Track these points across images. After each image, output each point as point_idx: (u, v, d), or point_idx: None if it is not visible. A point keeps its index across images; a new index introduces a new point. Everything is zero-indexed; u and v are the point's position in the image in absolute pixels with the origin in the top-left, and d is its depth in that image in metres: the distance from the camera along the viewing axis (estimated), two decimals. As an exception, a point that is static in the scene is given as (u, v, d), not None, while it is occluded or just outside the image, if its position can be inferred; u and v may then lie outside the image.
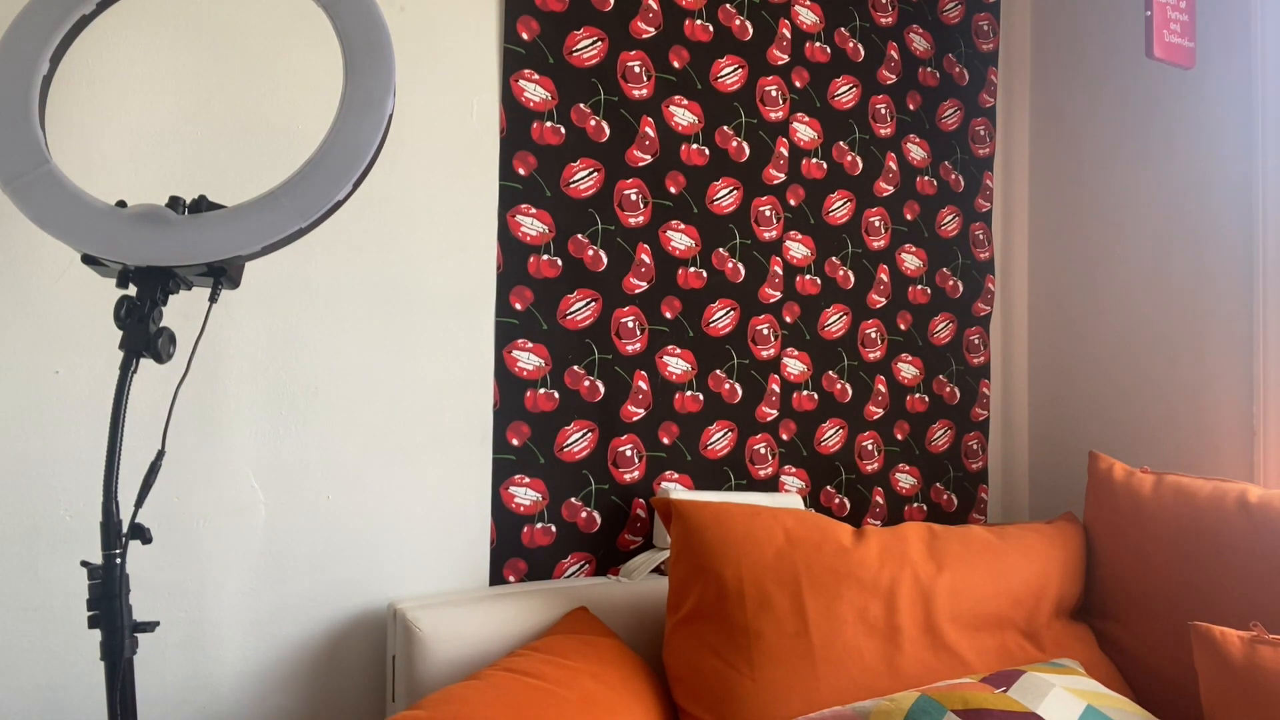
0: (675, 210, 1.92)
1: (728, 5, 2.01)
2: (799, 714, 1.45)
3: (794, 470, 2.06)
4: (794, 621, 1.49)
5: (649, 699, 1.45)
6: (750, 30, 2.03)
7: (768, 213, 2.04)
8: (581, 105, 1.82)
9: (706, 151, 1.97)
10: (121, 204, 1.14)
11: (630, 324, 1.86)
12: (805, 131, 2.11)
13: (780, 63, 2.07)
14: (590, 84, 1.83)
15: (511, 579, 1.73)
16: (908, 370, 2.25)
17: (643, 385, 1.87)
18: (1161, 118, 2.13)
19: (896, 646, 1.55)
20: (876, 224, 2.21)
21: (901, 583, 1.60)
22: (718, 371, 1.96)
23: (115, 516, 1.07)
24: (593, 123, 1.83)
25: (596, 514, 1.82)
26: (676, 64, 1.94)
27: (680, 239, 1.93)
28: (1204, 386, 2.06)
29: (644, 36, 1.90)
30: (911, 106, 2.28)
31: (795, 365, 2.07)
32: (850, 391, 2.15)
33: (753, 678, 1.45)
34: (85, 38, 1.41)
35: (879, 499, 2.19)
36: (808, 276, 2.10)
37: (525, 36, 1.77)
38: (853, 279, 2.16)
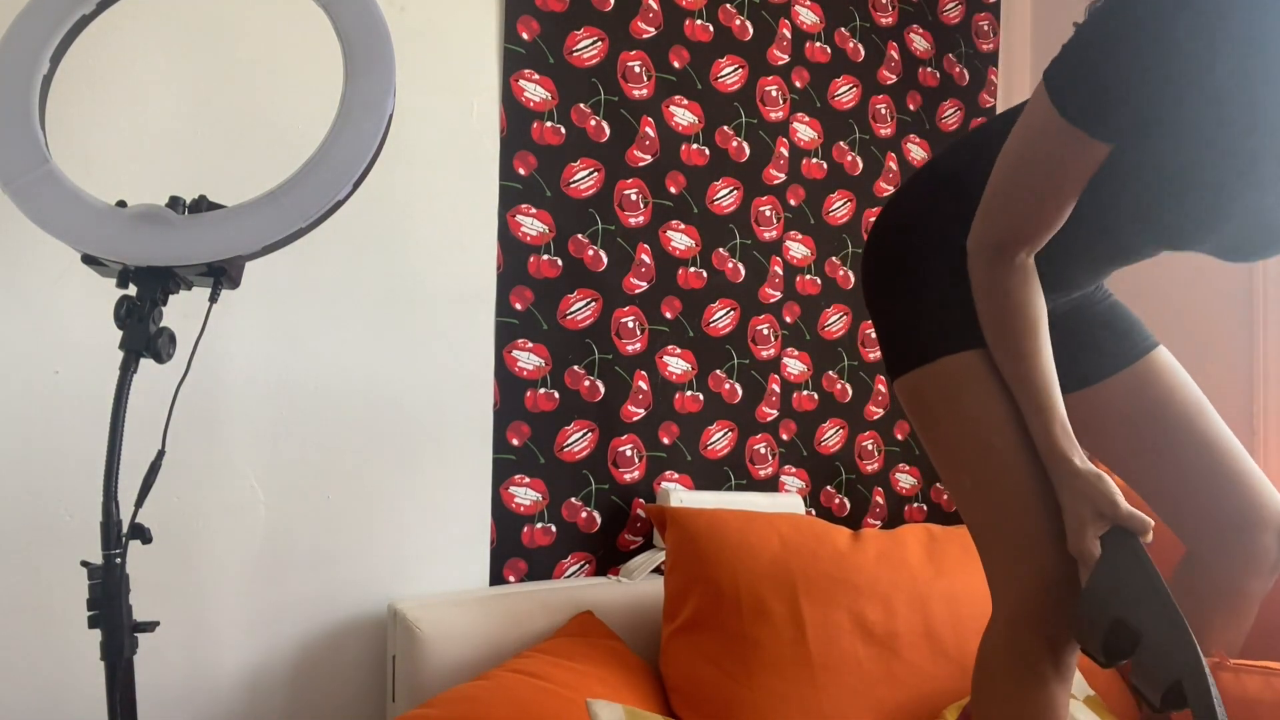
0: (675, 210, 1.92)
1: (728, 5, 2.00)
2: (797, 720, 1.44)
3: (794, 470, 2.06)
4: (791, 629, 1.48)
5: (653, 702, 1.44)
6: (750, 30, 2.03)
7: (768, 213, 2.04)
8: (581, 105, 1.82)
9: (706, 151, 1.96)
10: (121, 204, 1.14)
11: (630, 324, 1.86)
12: (805, 131, 2.10)
13: (780, 63, 2.07)
14: (590, 84, 1.83)
15: (511, 579, 1.73)
16: (908, 370, 2.25)
17: (643, 385, 1.87)
18: (1162, 118, 2.13)
19: (895, 653, 1.54)
20: (877, 224, 2.21)
21: (899, 588, 1.58)
22: (718, 371, 1.96)
23: (115, 516, 1.07)
24: (593, 123, 1.83)
25: (596, 514, 1.82)
26: (676, 64, 1.93)
27: (680, 239, 1.93)
28: (1203, 386, 2.05)
29: (644, 36, 1.90)
30: (912, 106, 2.28)
31: (795, 365, 2.07)
32: (850, 391, 2.15)
33: (750, 687, 1.44)
34: (85, 38, 1.40)
35: (879, 499, 2.19)
36: (808, 276, 2.10)
37: (525, 36, 1.76)
38: (853, 279, 2.16)
